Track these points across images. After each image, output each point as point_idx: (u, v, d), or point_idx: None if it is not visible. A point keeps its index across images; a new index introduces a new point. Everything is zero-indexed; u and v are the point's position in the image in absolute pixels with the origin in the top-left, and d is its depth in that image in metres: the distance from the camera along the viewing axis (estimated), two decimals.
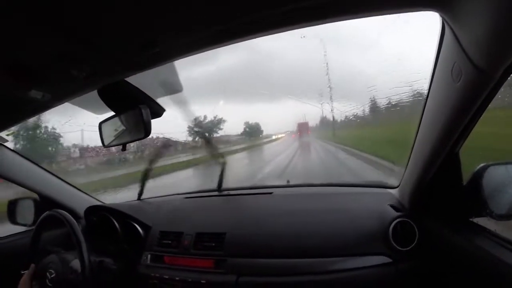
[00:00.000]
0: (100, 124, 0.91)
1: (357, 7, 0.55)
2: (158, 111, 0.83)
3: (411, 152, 0.97)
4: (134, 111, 0.77)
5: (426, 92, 0.78)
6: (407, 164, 1.03)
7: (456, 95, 0.64)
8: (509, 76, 0.55)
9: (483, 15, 0.47)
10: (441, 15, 0.56)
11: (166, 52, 0.69)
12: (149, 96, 0.82)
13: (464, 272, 0.84)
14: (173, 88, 0.96)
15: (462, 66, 0.58)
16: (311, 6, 0.54)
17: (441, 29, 0.62)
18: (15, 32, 0.55)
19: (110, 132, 0.89)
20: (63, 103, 0.94)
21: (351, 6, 0.55)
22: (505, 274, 0.69)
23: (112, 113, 0.87)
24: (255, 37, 0.66)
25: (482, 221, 0.87)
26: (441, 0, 0.52)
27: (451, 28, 0.57)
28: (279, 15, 0.57)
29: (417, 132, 0.90)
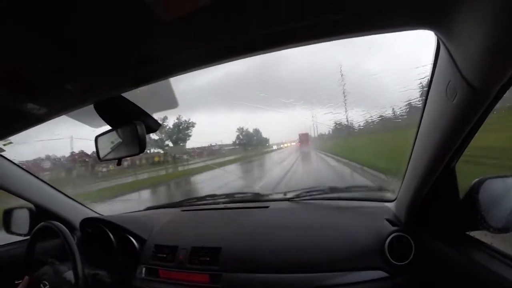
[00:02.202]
0: (97, 137, 0.91)
1: (353, 26, 0.55)
2: (153, 127, 0.83)
3: (407, 166, 0.97)
4: (130, 126, 0.77)
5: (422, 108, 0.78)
6: (404, 178, 1.03)
7: (451, 113, 0.64)
8: (503, 95, 0.56)
9: (477, 35, 0.47)
10: (436, 34, 0.56)
11: (163, 69, 0.69)
12: (145, 112, 0.82)
13: (461, 286, 0.83)
14: (169, 103, 0.96)
15: (457, 84, 0.58)
16: (306, 26, 0.54)
17: (436, 47, 0.63)
18: (13, 45, 0.55)
19: (106, 146, 0.88)
20: (59, 116, 0.93)
21: (347, 26, 0.55)
22: (499, 287, 0.69)
23: (108, 127, 0.87)
24: (254, 55, 0.66)
25: (478, 234, 0.87)
26: (436, 19, 0.52)
27: (446, 47, 0.57)
28: (276, 35, 0.57)
29: (413, 147, 0.90)
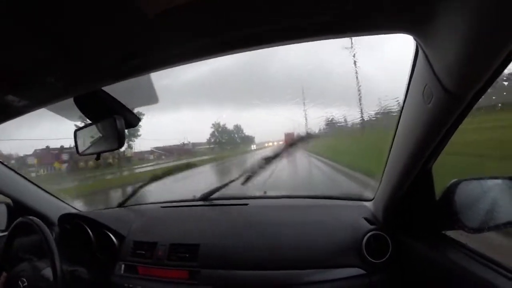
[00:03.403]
0: (76, 131, 0.88)
1: (332, 28, 0.56)
2: (133, 122, 0.81)
3: (385, 166, 0.99)
4: (109, 121, 0.76)
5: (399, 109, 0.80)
6: (381, 178, 1.05)
7: (427, 116, 0.66)
8: (478, 100, 0.57)
9: (453, 41, 0.49)
10: (414, 38, 0.57)
11: (146, 63, 0.68)
12: (125, 106, 0.80)
13: (436, 284, 0.86)
14: (149, 98, 0.94)
15: (433, 88, 0.59)
16: (288, 27, 0.54)
17: (414, 51, 0.64)
18: None
19: (86, 140, 0.87)
20: (39, 108, 0.91)
21: (328, 27, 0.56)
22: (475, 285, 0.71)
23: (88, 121, 0.85)
24: (238, 52, 0.65)
25: (454, 234, 0.90)
26: (414, 24, 0.53)
27: (423, 51, 0.58)
28: (260, 33, 0.57)
29: (391, 148, 0.92)
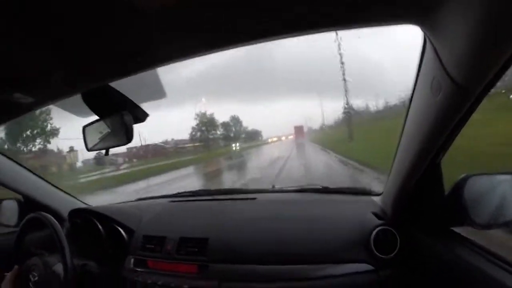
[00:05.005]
0: (84, 127, 0.90)
1: (339, 20, 0.55)
2: (141, 117, 0.82)
3: (394, 160, 0.98)
4: (117, 116, 0.77)
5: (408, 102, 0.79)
6: (390, 173, 1.04)
7: (435, 109, 0.65)
8: (487, 93, 0.56)
9: (462, 33, 0.48)
10: (422, 30, 0.56)
11: (152, 59, 0.69)
12: (132, 101, 0.81)
13: (445, 281, 0.85)
14: (156, 93, 0.95)
15: (442, 81, 0.58)
16: (292, 19, 0.54)
17: (422, 43, 0.63)
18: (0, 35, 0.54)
19: (94, 136, 0.88)
20: (46, 105, 0.92)
21: (335, 18, 0.55)
22: (482, 282, 0.71)
23: (96, 117, 0.86)
24: (241, 46, 0.65)
25: (463, 230, 0.89)
26: (421, 15, 0.52)
27: (431, 43, 0.57)
28: (266, 26, 0.57)
29: (399, 142, 0.91)
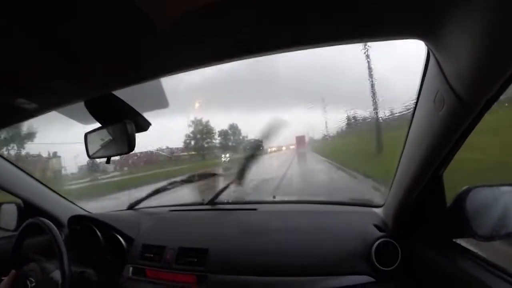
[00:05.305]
0: (86, 134, 0.90)
1: (344, 34, 0.56)
2: (143, 126, 0.83)
3: (396, 172, 0.98)
4: (119, 125, 0.77)
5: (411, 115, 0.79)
6: (392, 185, 1.03)
7: (438, 122, 0.65)
8: (490, 107, 0.56)
9: (465, 48, 0.48)
10: (426, 44, 0.57)
11: (155, 69, 0.69)
12: (135, 110, 0.82)
13: None
14: (159, 102, 0.96)
15: (445, 95, 0.58)
16: (296, 33, 0.54)
17: (426, 57, 0.63)
18: (4, 42, 0.54)
19: (96, 144, 0.88)
20: (49, 111, 0.93)
21: (340, 33, 0.56)
22: None
23: (98, 125, 0.86)
24: (246, 58, 0.65)
25: (465, 242, 0.88)
26: (425, 30, 0.53)
27: (435, 57, 0.58)
28: (269, 40, 0.57)
29: (402, 154, 0.91)
